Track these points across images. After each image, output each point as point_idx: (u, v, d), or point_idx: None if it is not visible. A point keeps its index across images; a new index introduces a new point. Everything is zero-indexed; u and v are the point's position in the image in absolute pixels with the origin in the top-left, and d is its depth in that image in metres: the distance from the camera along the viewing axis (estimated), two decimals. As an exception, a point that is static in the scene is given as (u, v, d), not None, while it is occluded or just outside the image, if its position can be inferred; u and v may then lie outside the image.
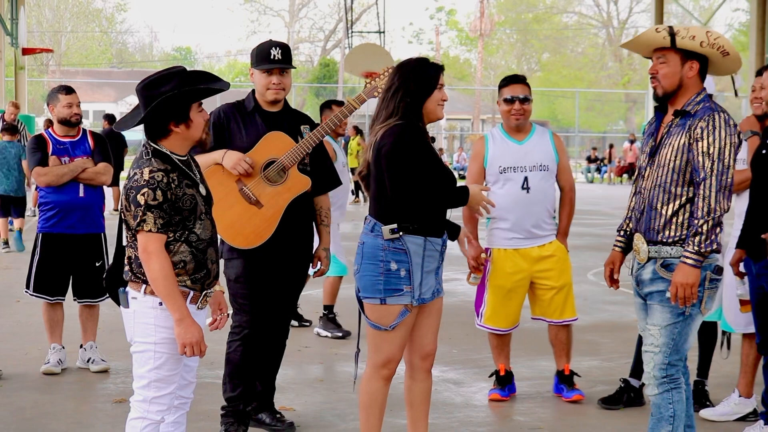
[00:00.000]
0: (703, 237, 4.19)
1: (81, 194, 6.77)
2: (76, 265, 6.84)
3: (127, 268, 3.99)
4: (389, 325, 4.48)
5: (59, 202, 6.76)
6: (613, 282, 4.73)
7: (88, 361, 6.91)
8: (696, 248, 4.19)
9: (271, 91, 5.31)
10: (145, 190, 3.83)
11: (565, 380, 6.28)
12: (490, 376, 6.42)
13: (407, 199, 4.43)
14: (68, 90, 6.88)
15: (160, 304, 3.90)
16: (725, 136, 4.21)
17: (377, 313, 4.50)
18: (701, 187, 4.21)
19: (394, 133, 4.46)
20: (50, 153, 6.77)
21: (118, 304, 4.09)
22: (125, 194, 3.90)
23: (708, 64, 4.37)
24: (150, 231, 3.83)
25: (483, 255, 6.08)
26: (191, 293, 3.96)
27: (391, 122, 4.49)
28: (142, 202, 3.83)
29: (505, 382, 6.30)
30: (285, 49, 5.33)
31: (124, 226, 4.00)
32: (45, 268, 6.81)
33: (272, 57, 5.26)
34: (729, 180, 4.22)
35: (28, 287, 6.86)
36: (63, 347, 6.91)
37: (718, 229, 4.22)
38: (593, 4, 61.96)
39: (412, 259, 4.46)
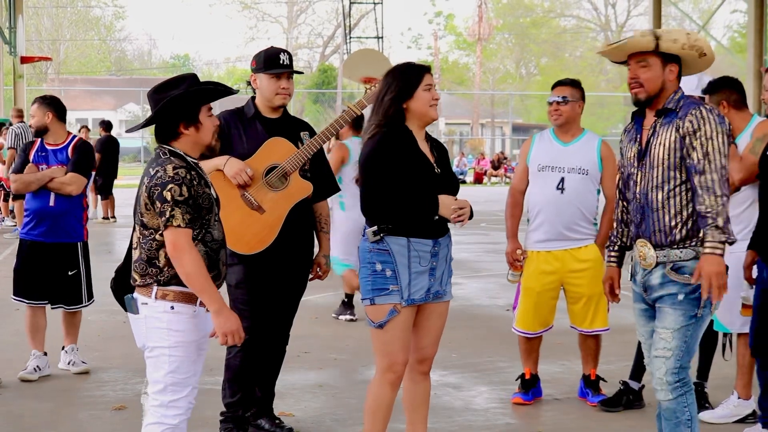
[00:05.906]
0: (721, 225, 4.19)
1: (51, 203, 6.76)
2: (49, 273, 6.84)
3: (134, 273, 3.95)
4: (377, 323, 4.51)
5: (32, 209, 6.82)
6: (614, 297, 4.72)
7: (68, 364, 6.97)
8: (719, 237, 4.18)
9: (280, 96, 5.31)
10: (171, 185, 3.81)
11: (590, 385, 6.29)
12: (517, 379, 6.41)
13: (374, 206, 4.48)
14: (35, 101, 6.96)
15: (172, 308, 3.89)
16: (715, 125, 4.25)
17: (370, 313, 4.54)
18: (702, 178, 4.22)
19: (367, 143, 4.54)
20: (31, 160, 6.81)
21: (126, 310, 4.05)
22: (148, 193, 3.86)
23: (682, 65, 4.42)
24: (179, 226, 3.81)
25: (519, 251, 6.11)
26: None
27: (371, 129, 4.54)
28: (169, 198, 3.80)
29: (529, 386, 6.31)
30: (290, 55, 5.39)
31: (136, 227, 3.95)
32: (23, 273, 6.86)
33: (281, 62, 5.29)
34: (725, 168, 4.25)
35: (14, 292, 6.94)
36: (45, 353, 6.93)
37: (727, 215, 4.23)
38: (591, 7, 62.08)
39: (396, 259, 4.47)
